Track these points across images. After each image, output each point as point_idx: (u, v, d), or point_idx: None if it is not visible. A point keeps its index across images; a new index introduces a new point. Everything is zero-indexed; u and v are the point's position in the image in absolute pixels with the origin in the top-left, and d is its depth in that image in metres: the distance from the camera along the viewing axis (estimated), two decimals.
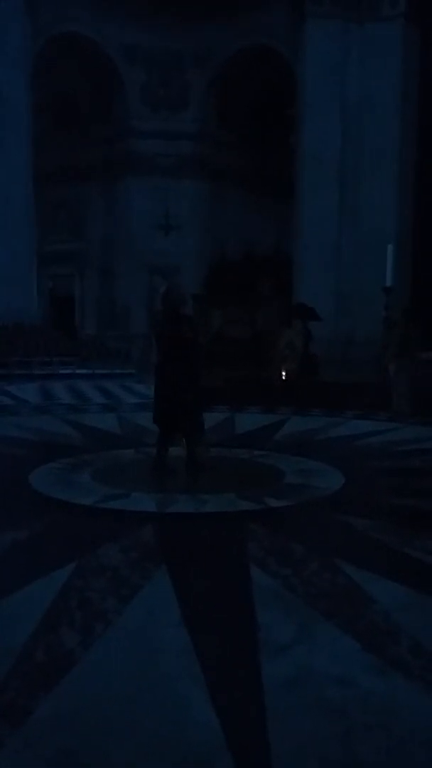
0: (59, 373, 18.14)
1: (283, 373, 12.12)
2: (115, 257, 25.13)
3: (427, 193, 18.84)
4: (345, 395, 10.54)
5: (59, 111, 24.14)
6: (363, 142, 19.11)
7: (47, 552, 3.57)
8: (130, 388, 14.92)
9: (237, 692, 2.10)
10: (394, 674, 2.20)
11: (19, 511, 4.40)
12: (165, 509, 4.24)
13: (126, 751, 1.79)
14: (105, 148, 24.24)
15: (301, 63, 19.90)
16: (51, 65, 21.55)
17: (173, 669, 2.23)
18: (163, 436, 5.37)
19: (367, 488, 5.33)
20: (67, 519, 4.18)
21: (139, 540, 3.62)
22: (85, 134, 24.23)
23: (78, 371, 18.74)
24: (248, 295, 20.62)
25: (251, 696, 2.06)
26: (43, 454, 6.17)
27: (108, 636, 2.46)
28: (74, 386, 15.33)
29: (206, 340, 5.36)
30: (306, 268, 19.75)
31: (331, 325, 13.74)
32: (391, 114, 18.83)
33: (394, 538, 3.73)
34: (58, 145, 23.56)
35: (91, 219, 25.62)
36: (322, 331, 13.38)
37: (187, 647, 2.36)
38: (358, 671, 2.22)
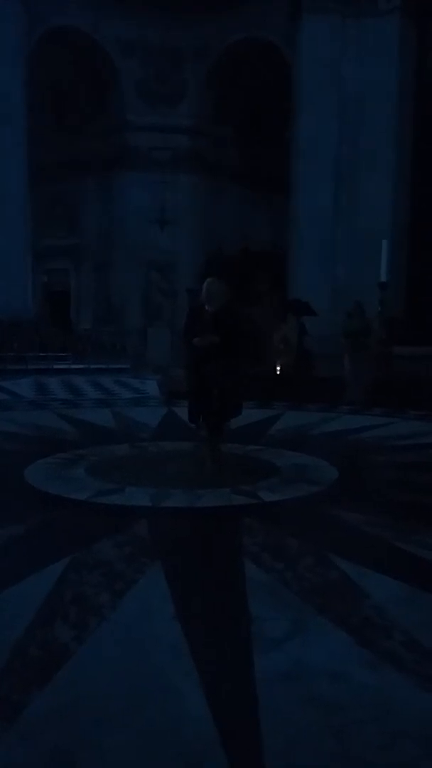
0: (54, 368, 18.13)
1: (278, 368, 12.12)
2: (110, 252, 25.06)
3: (422, 188, 18.83)
4: (339, 390, 10.65)
5: (55, 105, 24.05)
6: (359, 137, 19.08)
7: (42, 547, 3.57)
8: (125, 383, 14.92)
9: (230, 686, 2.11)
10: (387, 669, 2.21)
11: (13, 506, 4.40)
12: (159, 504, 4.24)
13: (119, 745, 1.79)
14: (101, 142, 24.14)
15: (298, 57, 19.85)
16: (47, 60, 21.46)
17: (167, 663, 2.24)
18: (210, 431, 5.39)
19: (361, 483, 5.36)
20: (61, 514, 4.18)
21: (133, 535, 3.62)
22: (81, 129, 24.13)
23: (73, 366, 18.74)
24: (244, 290, 20.60)
25: (244, 690, 2.06)
26: (37, 449, 6.16)
27: (102, 630, 2.46)
28: (69, 381, 15.32)
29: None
30: (301, 263, 19.73)
31: (326, 321, 13.71)
32: (387, 109, 18.79)
33: (387, 533, 3.74)
34: (54, 139, 23.47)
35: (86, 213, 25.54)
36: (317, 327, 13.37)
37: (180, 641, 2.37)
38: (351, 665, 2.23)
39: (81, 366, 18.80)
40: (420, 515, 4.29)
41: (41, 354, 18.60)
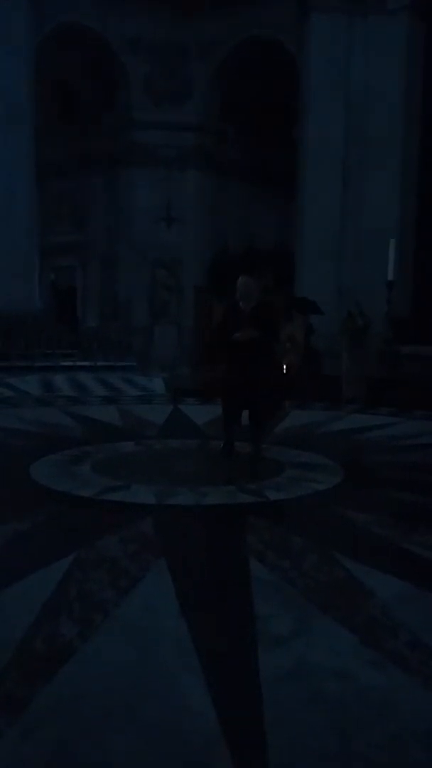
0: (60, 365, 18.15)
1: (285, 367, 12.11)
2: (117, 249, 25.08)
3: (429, 188, 18.77)
4: (339, 388, 10.75)
5: (62, 102, 24.08)
6: (366, 135, 19.02)
7: (47, 543, 3.58)
8: (132, 381, 14.93)
9: (234, 684, 2.11)
10: (391, 668, 2.21)
11: (19, 503, 4.40)
12: (164, 501, 4.24)
13: (123, 742, 1.80)
14: (108, 139, 24.16)
15: (305, 55, 19.80)
16: (54, 56, 21.47)
17: (171, 660, 2.24)
18: (229, 425, 5.61)
19: (366, 482, 5.34)
20: (67, 510, 4.19)
21: (138, 532, 3.63)
22: (87, 126, 24.16)
23: (79, 363, 18.76)
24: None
25: (248, 688, 2.06)
26: (43, 446, 6.18)
27: (106, 627, 2.47)
28: (75, 378, 15.35)
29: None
30: (308, 261, 19.70)
31: (332, 319, 13.70)
32: (395, 107, 18.72)
33: (393, 532, 3.73)
34: (61, 136, 23.51)
35: (93, 211, 25.57)
36: (324, 325, 13.35)
37: (185, 639, 2.37)
38: (355, 665, 2.23)
39: (87, 363, 18.84)
40: (425, 515, 4.28)
41: (48, 351, 18.64)
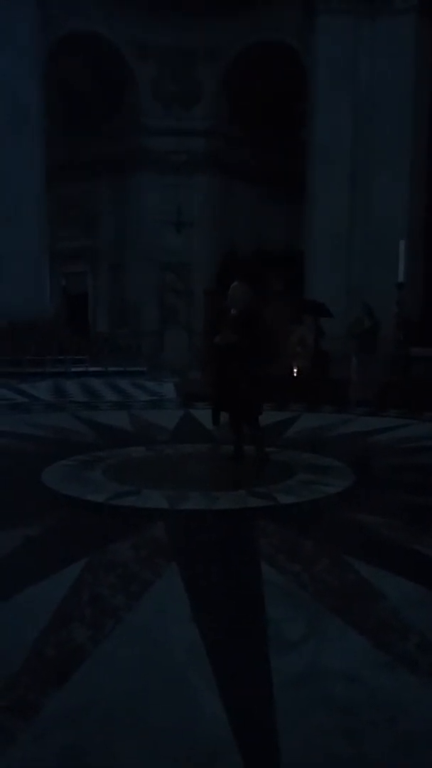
0: (72, 370, 18.23)
1: (295, 370, 12.10)
2: (126, 254, 25.17)
3: None
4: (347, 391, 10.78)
5: (71, 107, 24.21)
6: (374, 136, 19.02)
7: (59, 548, 3.59)
8: (142, 386, 14.97)
9: (246, 688, 2.11)
10: (403, 671, 2.20)
11: (31, 508, 4.42)
12: (176, 506, 4.25)
13: (134, 746, 1.81)
14: (117, 144, 24.27)
15: (313, 58, 19.82)
16: (63, 62, 21.59)
17: (183, 665, 2.24)
18: (234, 425, 5.68)
19: (377, 485, 5.33)
20: (78, 516, 4.20)
21: (149, 537, 3.64)
22: (96, 131, 24.27)
23: (90, 369, 18.84)
24: (258, 290, 20.58)
25: (260, 692, 2.07)
26: (55, 451, 6.20)
27: (118, 632, 2.47)
28: (87, 383, 15.40)
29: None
30: (317, 264, 19.70)
31: (342, 322, 13.69)
32: (403, 108, 18.73)
33: (404, 535, 3.72)
34: (70, 141, 23.63)
35: (103, 216, 25.68)
36: (334, 328, 13.34)
37: (196, 643, 2.37)
38: (367, 668, 2.23)
39: (98, 368, 18.90)
40: None
41: (59, 357, 18.73)
